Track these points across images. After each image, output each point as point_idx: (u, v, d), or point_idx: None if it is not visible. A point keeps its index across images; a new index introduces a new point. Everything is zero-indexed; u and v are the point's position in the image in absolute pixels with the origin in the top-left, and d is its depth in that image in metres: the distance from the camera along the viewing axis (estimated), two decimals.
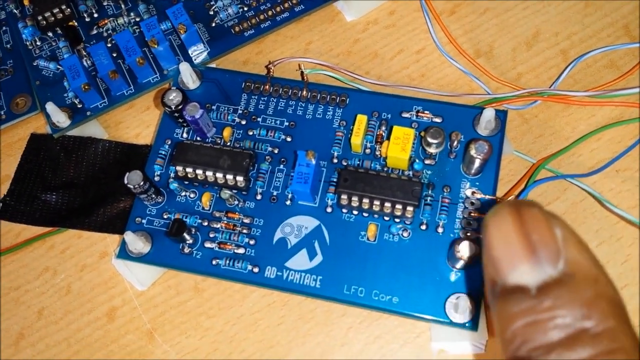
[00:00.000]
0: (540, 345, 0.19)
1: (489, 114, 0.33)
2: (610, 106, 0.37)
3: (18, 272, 0.38)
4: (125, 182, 0.33)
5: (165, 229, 0.35)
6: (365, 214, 0.34)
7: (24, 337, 0.36)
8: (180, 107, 0.35)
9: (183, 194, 0.36)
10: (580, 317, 0.19)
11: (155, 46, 0.38)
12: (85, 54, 0.40)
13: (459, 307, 0.31)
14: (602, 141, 0.37)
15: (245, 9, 0.41)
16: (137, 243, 0.34)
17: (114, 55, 0.40)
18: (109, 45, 0.40)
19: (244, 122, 0.37)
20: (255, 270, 0.34)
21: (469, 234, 0.33)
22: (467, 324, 0.31)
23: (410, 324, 0.34)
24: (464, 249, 0.30)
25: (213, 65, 0.40)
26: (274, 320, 0.35)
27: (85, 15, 0.42)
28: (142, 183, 0.33)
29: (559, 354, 0.19)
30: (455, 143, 0.34)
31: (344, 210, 0.34)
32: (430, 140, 0.33)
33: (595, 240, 0.35)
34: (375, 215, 0.34)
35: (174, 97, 0.35)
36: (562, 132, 0.37)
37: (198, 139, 0.37)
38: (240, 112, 0.37)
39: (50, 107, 0.37)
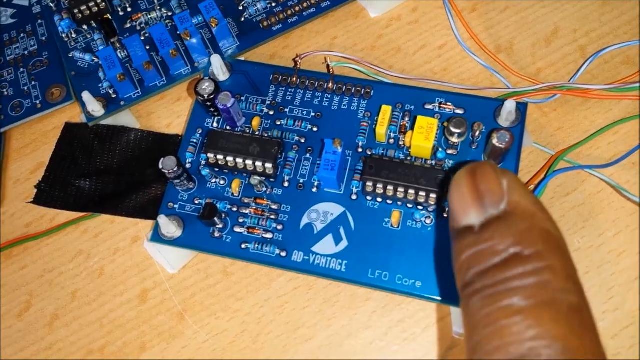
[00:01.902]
0: (480, 270, 0.22)
1: (510, 106, 0.35)
2: (627, 100, 0.38)
3: (52, 255, 0.39)
4: (160, 167, 0.34)
5: (197, 214, 0.36)
6: (389, 201, 0.35)
7: (58, 318, 0.38)
8: (212, 96, 0.36)
9: (213, 180, 0.37)
10: (512, 244, 0.22)
11: (188, 39, 0.39)
12: (119, 46, 0.42)
13: None
14: (619, 134, 0.38)
15: (274, 4, 0.42)
16: (170, 227, 0.35)
17: (147, 47, 0.41)
18: (142, 38, 0.42)
19: (272, 113, 0.38)
20: (283, 254, 0.35)
21: None
22: None
23: (432, 308, 0.35)
24: None
25: (241, 58, 0.42)
26: (300, 304, 0.36)
27: (119, 9, 0.43)
28: (176, 168, 0.34)
29: (493, 275, 0.22)
30: (478, 133, 0.35)
31: (369, 198, 0.35)
32: (453, 129, 0.34)
33: (613, 230, 0.36)
34: (399, 203, 0.35)
35: (207, 87, 0.36)
36: (581, 125, 0.39)
37: (228, 127, 0.38)
38: (268, 103, 0.39)
39: (86, 96, 0.39)
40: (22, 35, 0.45)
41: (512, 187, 0.23)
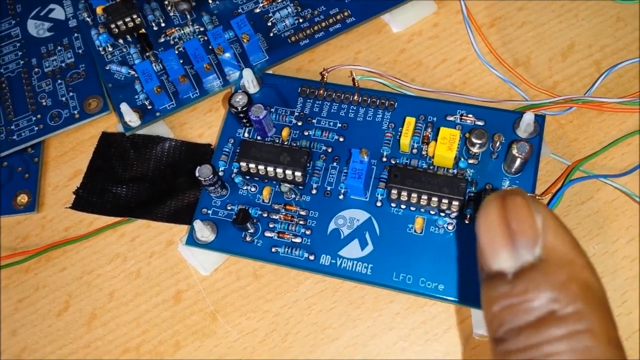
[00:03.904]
0: (513, 327, 0.21)
1: (528, 118, 0.36)
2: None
3: (91, 258, 0.41)
4: (197, 174, 0.36)
5: (229, 219, 0.38)
6: (412, 208, 0.37)
7: (96, 317, 0.40)
8: (245, 108, 0.38)
9: (245, 187, 0.39)
10: (549, 300, 0.20)
11: (221, 53, 0.42)
12: (153, 59, 0.44)
13: None
14: (633, 145, 0.40)
15: (301, 20, 0.44)
16: (204, 231, 0.37)
17: (181, 61, 0.43)
18: (177, 52, 0.44)
19: (300, 124, 0.40)
20: (311, 257, 0.37)
21: None
22: None
23: (453, 310, 0.37)
24: None
25: (269, 72, 0.44)
26: (326, 305, 0.38)
27: (153, 24, 0.46)
28: (211, 176, 0.36)
29: (527, 336, 0.20)
30: (498, 144, 0.37)
31: (393, 205, 0.37)
32: (474, 140, 0.36)
33: (626, 237, 0.37)
34: (422, 210, 0.37)
35: (240, 99, 0.38)
36: (596, 136, 0.40)
37: (259, 137, 0.40)
38: (296, 114, 0.41)
39: (124, 107, 0.41)
40: (59, 48, 0.47)
41: (547, 226, 0.21)
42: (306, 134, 0.40)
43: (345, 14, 0.44)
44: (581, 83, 0.42)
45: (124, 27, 0.44)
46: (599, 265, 0.37)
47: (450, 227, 0.36)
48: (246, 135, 0.41)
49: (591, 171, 0.39)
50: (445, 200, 0.35)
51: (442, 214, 0.36)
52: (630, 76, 0.42)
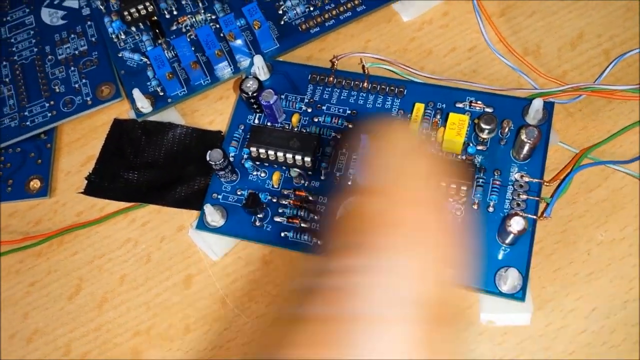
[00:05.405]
0: None
1: (538, 104, 0.36)
2: None
3: (102, 243, 0.42)
4: (207, 159, 0.37)
5: (239, 204, 0.38)
6: None
7: (107, 301, 0.40)
8: (256, 93, 0.38)
9: (255, 173, 0.39)
10: None
11: (233, 40, 0.42)
12: (165, 47, 0.44)
13: (508, 278, 0.34)
14: None
15: (312, 8, 0.45)
16: (215, 215, 0.38)
17: (193, 48, 0.43)
18: (189, 39, 0.44)
19: (310, 110, 0.41)
20: (320, 242, 0.37)
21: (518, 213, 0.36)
22: (515, 295, 0.34)
23: (460, 296, 0.37)
24: (515, 224, 0.33)
25: (280, 59, 0.44)
26: None
27: (165, 12, 0.46)
28: (222, 160, 0.37)
29: None
30: (507, 130, 0.37)
31: None
32: (483, 125, 0.36)
33: (634, 224, 0.37)
34: None
35: (251, 85, 0.39)
36: (604, 125, 0.40)
37: (269, 123, 0.40)
38: (306, 101, 0.41)
39: (136, 93, 0.41)
40: (72, 35, 0.48)
41: None
42: (316, 120, 0.40)
43: (356, 2, 0.45)
44: (590, 72, 0.42)
45: (137, 14, 0.45)
46: (606, 252, 0.37)
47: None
48: (256, 121, 0.41)
49: (599, 159, 0.39)
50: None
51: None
52: (639, 65, 0.42)
